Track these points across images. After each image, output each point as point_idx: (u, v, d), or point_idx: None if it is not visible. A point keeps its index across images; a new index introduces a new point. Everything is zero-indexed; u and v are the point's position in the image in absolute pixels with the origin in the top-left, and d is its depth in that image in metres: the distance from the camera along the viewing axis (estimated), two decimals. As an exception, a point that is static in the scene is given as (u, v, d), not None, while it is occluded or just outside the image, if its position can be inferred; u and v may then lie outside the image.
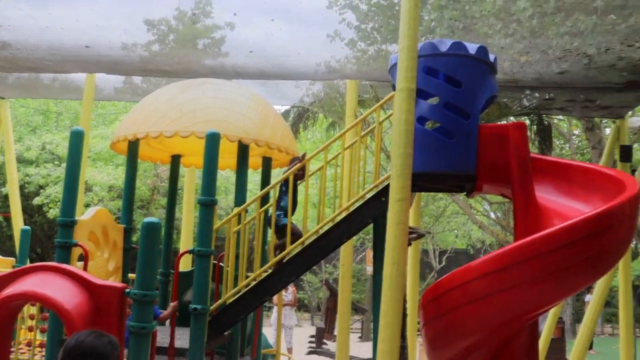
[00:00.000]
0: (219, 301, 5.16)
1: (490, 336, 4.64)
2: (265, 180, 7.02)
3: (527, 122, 9.59)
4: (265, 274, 5.24)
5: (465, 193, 5.82)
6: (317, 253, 5.31)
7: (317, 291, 23.22)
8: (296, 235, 5.33)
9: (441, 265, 25.73)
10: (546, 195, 5.24)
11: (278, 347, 6.79)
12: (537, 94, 8.76)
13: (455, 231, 26.98)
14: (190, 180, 9.78)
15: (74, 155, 5.14)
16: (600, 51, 6.88)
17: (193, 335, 4.79)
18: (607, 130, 14.42)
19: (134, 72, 9.71)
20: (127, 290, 3.60)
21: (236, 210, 5.50)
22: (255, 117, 6.24)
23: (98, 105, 16.89)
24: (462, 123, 5.16)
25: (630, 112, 10.00)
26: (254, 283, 5.22)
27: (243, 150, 6.25)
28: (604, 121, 12.88)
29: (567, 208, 5.07)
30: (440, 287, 4.78)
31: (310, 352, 12.52)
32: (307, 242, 5.24)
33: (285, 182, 5.54)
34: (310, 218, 5.73)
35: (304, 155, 5.64)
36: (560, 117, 12.99)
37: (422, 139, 4.99)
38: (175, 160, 7.53)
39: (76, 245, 5.04)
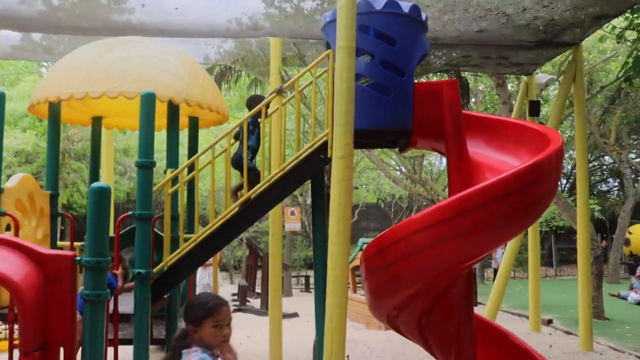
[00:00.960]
0: (162, 263, 5.07)
1: (431, 284, 4.87)
2: (193, 141, 6.89)
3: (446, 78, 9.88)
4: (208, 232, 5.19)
5: (397, 148, 5.99)
6: (259, 210, 5.33)
7: (235, 250, 23.22)
8: (256, 176, 5.31)
9: (354, 220, 26.37)
10: (477, 150, 5.49)
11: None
12: (455, 52, 9.04)
13: (365, 186, 27.63)
14: (109, 142, 9.40)
15: (-5, 120, 4.81)
16: (517, 10, 7.19)
17: (138, 299, 4.70)
18: (509, 86, 15.19)
19: (35, 29, 9.02)
20: (78, 257, 3.47)
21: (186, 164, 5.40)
22: (185, 77, 6.08)
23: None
24: (398, 80, 5.27)
25: (537, 69, 10.57)
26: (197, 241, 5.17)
27: (173, 111, 6.09)
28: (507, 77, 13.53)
29: (498, 162, 5.34)
30: (383, 241, 4.92)
31: (235, 310, 12.59)
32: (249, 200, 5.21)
33: (252, 121, 5.42)
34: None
35: (279, 89, 5.54)
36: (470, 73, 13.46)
37: (360, 96, 5.04)
38: (97, 122, 7.21)
39: (4, 214, 4.77)
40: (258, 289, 16.69)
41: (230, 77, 10.30)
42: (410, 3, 5.38)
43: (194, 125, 6.93)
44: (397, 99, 5.25)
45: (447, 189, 25.73)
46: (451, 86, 5.40)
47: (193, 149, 6.81)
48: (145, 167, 4.84)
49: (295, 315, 12.52)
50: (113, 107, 6.71)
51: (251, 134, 5.39)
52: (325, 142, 5.31)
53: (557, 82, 13.23)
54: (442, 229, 4.59)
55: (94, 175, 7.07)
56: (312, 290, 17.88)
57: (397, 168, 22.16)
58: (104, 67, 5.74)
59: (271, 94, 5.68)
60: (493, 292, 9.70)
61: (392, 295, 4.97)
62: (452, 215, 4.57)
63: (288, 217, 16.21)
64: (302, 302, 14.82)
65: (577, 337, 9.34)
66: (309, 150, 5.31)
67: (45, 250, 3.56)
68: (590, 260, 9.63)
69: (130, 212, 4.88)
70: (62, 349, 3.46)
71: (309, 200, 25.00)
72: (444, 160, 23.79)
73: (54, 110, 6.10)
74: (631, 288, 14.50)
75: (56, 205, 6.03)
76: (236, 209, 5.17)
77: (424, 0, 6.99)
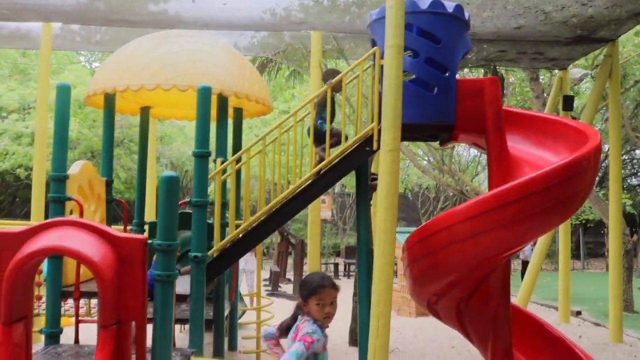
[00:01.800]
0: (216, 247, 5.37)
1: (471, 272, 5.10)
2: (237, 131, 7.17)
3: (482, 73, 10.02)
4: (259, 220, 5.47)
5: (438, 142, 6.20)
6: (308, 198, 5.60)
7: (265, 237, 23.59)
8: (338, 137, 5.73)
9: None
10: (515, 145, 5.69)
11: (258, 290, 7.10)
12: (491, 48, 9.17)
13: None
14: (151, 131, 9.74)
15: (62, 111, 5.12)
16: (556, 8, 7.32)
17: (195, 281, 5.01)
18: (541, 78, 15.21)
19: (84, 21, 9.36)
20: (150, 241, 3.77)
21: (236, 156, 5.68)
22: (234, 70, 6.34)
23: (35, 55, 16.17)
24: (442, 77, 5.50)
25: (571, 64, 10.63)
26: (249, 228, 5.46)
27: (223, 103, 6.36)
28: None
29: (536, 157, 5.54)
30: (426, 230, 5.17)
31: (267, 295, 12.95)
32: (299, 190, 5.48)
33: (322, 98, 5.85)
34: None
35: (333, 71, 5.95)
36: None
37: (406, 92, 5.26)
38: (145, 111, 7.52)
39: (70, 199, 5.10)
40: (289, 275, 17.04)
41: (270, 69, 10.59)
42: (454, 2, 5.58)
43: (238, 116, 7.20)
44: (441, 95, 5.47)
45: (474, 180, 25.80)
46: (493, 84, 5.59)
47: (237, 138, 7.09)
48: (202, 156, 5.12)
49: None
50: (161, 97, 7.01)
51: (323, 107, 5.78)
52: (371, 136, 5.56)
53: (591, 77, 13.24)
54: (483, 219, 4.81)
55: (143, 162, 7.39)
56: (341, 277, 18.25)
57: (425, 158, 22.28)
58: (158, 60, 6.02)
59: (327, 75, 6.01)
60: (524, 283, 9.88)
61: (433, 282, 5.22)
62: (494, 207, 4.79)
63: (328, 205, 16.61)
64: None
65: (606, 329, 9.49)
66: (356, 143, 5.55)
67: (119, 233, 3.87)
68: (621, 254, 9.72)
69: (187, 199, 5.19)
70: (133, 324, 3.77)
71: (337, 189, 25.27)
72: (472, 151, 23.69)
73: (109, 101, 6.42)
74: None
75: (111, 191, 6.36)
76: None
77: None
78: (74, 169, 5.59)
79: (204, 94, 5.21)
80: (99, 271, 3.61)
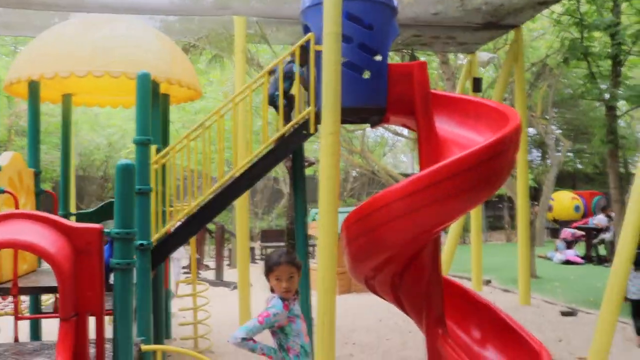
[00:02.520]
0: (158, 234, 5.37)
1: (407, 247, 5.43)
2: (165, 117, 7.10)
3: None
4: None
5: (370, 124, 6.47)
6: (250, 180, 5.69)
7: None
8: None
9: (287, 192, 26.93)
10: (442, 125, 6.04)
11: (194, 276, 7.13)
12: (408, 32, 9.54)
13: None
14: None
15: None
16: (471, -5, 7.75)
17: (140, 269, 5.00)
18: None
19: None
20: (108, 230, 3.76)
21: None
22: (165, 56, 6.28)
23: None
24: (375, 62, 5.74)
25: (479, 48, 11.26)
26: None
27: (155, 89, 6.29)
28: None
29: (461, 136, 5.92)
30: (364, 210, 5.42)
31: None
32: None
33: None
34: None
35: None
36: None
37: (342, 77, 5.47)
38: (67, 99, 7.27)
39: (3, 192, 4.92)
40: (206, 262, 16.96)
41: (192, 54, 10.41)
42: (384, -10, 5.82)
43: (165, 101, 7.13)
44: (374, 79, 5.72)
45: (381, 161, 26.51)
46: (421, 68, 5.90)
47: (165, 124, 7.04)
48: (143, 144, 5.09)
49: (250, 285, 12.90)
50: (84, 84, 6.80)
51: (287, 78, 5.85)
52: (307, 119, 5.72)
53: (496, 60, 14.06)
54: (419, 197, 5.12)
55: (66, 152, 7.17)
56: (257, 261, 18.37)
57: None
58: (89, 46, 5.87)
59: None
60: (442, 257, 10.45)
61: (371, 258, 5.50)
62: (429, 184, 5.10)
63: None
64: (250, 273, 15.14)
65: (514, 294, 10.27)
66: (294, 127, 5.70)
67: (74, 223, 3.83)
68: (528, 225, 10.51)
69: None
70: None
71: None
72: (379, 132, 24.24)
73: (34, 89, 6.17)
74: (556, 249, 15.77)
75: (39, 182, 6.15)
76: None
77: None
78: (3, 160, 5.37)
79: (144, 81, 5.17)
80: (57, 264, 3.56)
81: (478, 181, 5.16)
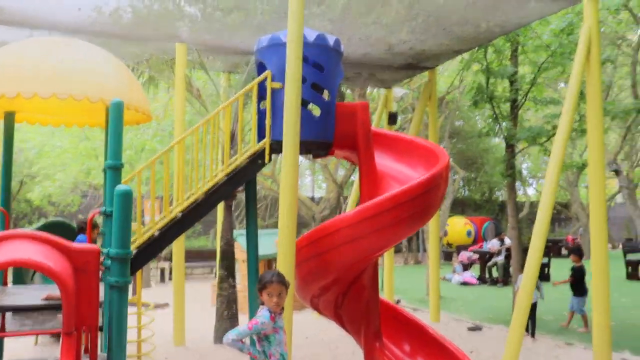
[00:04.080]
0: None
1: (350, 270, 6.06)
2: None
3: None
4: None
5: (313, 156, 7.08)
6: (207, 208, 6.07)
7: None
8: None
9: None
10: (380, 160, 6.78)
11: (139, 295, 7.33)
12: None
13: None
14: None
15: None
16: (399, 42, 8.64)
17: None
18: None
19: None
20: (107, 250, 4.08)
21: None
22: (123, 80, 6.56)
23: None
24: (325, 101, 6.38)
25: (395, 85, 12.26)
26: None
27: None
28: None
29: (398, 172, 6.69)
30: (316, 234, 6.02)
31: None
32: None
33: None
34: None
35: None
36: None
37: (296, 113, 6.05)
38: (10, 117, 7.30)
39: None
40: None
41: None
42: (334, 37, 6.50)
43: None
44: (324, 116, 6.35)
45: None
46: (364, 108, 6.62)
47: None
48: (115, 168, 5.37)
49: (166, 305, 13.00)
50: (27, 103, 6.92)
51: None
52: (263, 149, 6.23)
53: (409, 95, 15.19)
54: (364, 225, 5.79)
55: (8, 171, 7.17)
56: (170, 281, 18.28)
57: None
58: (52, 69, 6.06)
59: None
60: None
61: (320, 279, 6.09)
62: (373, 214, 5.79)
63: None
64: (163, 293, 15.16)
65: (424, 312, 11.17)
66: (251, 156, 6.19)
67: (73, 244, 4.11)
68: (438, 249, 11.51)
69: (102, 209, 5.39)
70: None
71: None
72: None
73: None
74: (454, 271, 17.09)
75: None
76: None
77: (328, 28, 8.11)
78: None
79: (117, 108, 5.43)
80: (63, 282, 3.85)
81: (415, 212, 5.92)
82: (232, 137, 8.35)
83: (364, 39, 8.46)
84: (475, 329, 9.65)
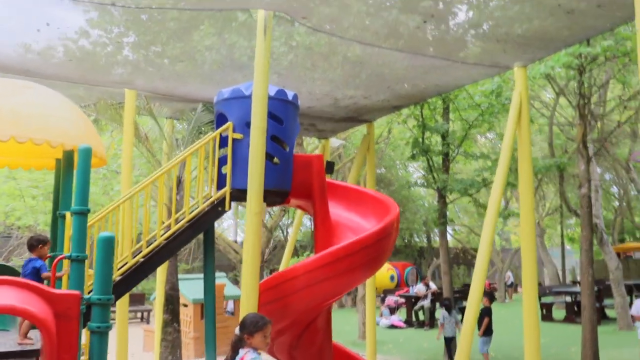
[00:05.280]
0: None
1: (307, 314, 6.33)
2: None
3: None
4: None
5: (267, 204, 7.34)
6: (171, 251, 6.18)
7: None
8: None
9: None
10: (333, 210, 7.14)
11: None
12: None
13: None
14: None
15: None
16: (344, 97, 9.14)
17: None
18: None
19: None
20: (88, 296, 4.14)
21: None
22: (80, 124, 6.61)
23: None
24: (284, 152, 6.70)
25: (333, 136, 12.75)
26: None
27: (70, 158, 6.59)
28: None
29: (351, 221, 7.08)
30: (273, 280, 6.28)
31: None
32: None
33: None
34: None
35: None
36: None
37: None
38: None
39: None
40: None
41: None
42: (293, 92, 6.89)
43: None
44: (282, 166, 6.67)
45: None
46: (319, 159, 7.02)
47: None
48: (82, 213, 5.42)
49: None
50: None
51: None
52: (224, 198, 6.44)
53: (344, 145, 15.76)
54: (322, 271, 6.12)
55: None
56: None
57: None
58: (10, 111, 6.06)
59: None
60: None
61: (278, 323, 6.28)
62: (330, 261, 6.13)
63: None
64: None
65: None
66: (211, 203, 6.38)
67: (54, 290, 4.16)
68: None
69: (67, 254, 5.38)
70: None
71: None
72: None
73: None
74: (381, 315, 17.53)
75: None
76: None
77: (275, 81, 8.48)
78: None
79: (85, 154, 5.53)
80: (46, 326, 3.92)
81: (370, 259, 6.32)
82: (179, 183, 8.48)
83: (311, 92, 8.89)
84: (410, 371, 10.03)
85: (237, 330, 4.12)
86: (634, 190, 27.31)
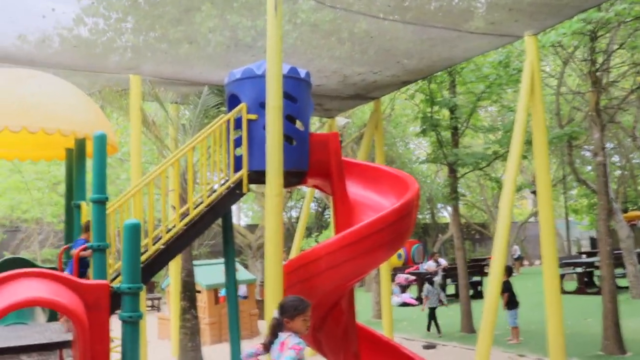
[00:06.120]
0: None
1: (332, 294, 6.23)
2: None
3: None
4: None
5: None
6: (192, 236, 6.06)
7: None
8: None
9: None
10: (350, 189, 7.01)
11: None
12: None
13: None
14: None
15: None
16: (354, 73, 8.99)
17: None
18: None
19: None
20: (118, 285, 4.04)
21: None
22: (90, 112, 6.49)
23: None
24: (299, 131, 6.57)
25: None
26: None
27: (82, 146, 6.47)
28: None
29: (369, 199, 6.95)
30: (298, 261, 6.18)
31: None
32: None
33: None
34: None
35: None
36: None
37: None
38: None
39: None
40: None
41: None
42: (305, 70, 6.73)
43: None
44: (299, 146, 6.53)
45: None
46: (335, 137, 6.88)
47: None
48: (100, 202, 5.30)
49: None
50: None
51: None
52: (241, 180, 6.32)
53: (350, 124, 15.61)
54: (346, 251, 5.99)
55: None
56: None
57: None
58: (19, 102, 5.93)
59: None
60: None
61: (303, 304, 6.19)
62: (353, 241, 6.01)
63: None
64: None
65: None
66: (230, 187, 6.26)
67: (84, 281, 4.05)
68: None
69: (88, 244, 5.28)
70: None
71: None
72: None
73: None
74: (392, 293, 17.49)
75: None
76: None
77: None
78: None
79: (101, 141, 5.39)
80: (78, 318, 3.82)
81: (392, 237, 6.20)
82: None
83: (320, 70, 8.73)
84: (429, 347, 10.02)
85: (276, 314, 3.99)
86: (636, 159, 27.26)
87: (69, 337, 4.05)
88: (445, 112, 11.34)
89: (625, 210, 30.08)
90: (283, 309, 4.00)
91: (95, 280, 4.22)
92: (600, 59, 9.23)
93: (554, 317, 7.44)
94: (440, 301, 12.21)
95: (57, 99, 6.19)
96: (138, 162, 8.64)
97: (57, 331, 4.92)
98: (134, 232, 4.13)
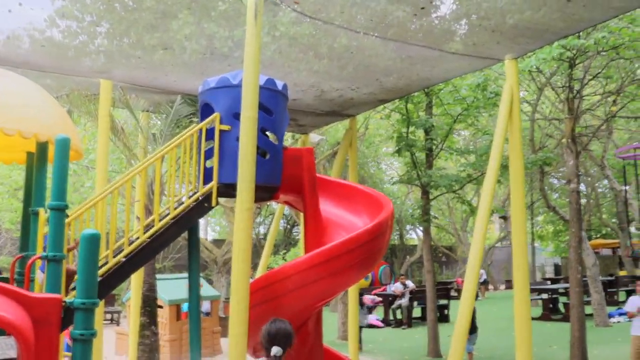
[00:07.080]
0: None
1: (299, 315, 5.98)
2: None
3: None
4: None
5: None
6: (156, 249, 5.77)
7: None
8: None
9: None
10: (322, 206, 6.81)
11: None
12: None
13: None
14: None
15: None
16: (331, 89, 8.83)
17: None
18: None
19: None
20: (71, 300, 3.74)
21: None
22: (55, 115, 6.16)
23: None
24: (273, 145, 6.36)
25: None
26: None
27: (44, 150, 6.13)
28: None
29: (342, 218, 6.76)
30: (265, 280, 5.93)
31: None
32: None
33: None
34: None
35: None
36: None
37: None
38: None
39: None
40: None
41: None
42: (282, 82, 6.54)
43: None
44: (272, 160, 6.31)
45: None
46: (309, 153, 6.69)
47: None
48: (59, 209, 4.99)
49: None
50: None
51: None
52: (210, 193, 6.07)
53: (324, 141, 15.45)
54: (316, 271, 5.79)
55: None
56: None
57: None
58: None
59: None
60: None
61: (267, 325, 5.93)
62: (325, 260, 5.81)
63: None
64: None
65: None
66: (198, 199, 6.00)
67: (33, 294, 3.75)
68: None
69: (43, 254, 4.94)
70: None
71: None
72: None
73: None
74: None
75: None
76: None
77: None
78: None
79: (63, 145, 5.09)
80: (22, 334, 3.52)
81: (364, 258, 6.01)
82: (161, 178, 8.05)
83: (297, 84, 8.55)
84: (396, 371, 9.80)
85: (276, 352, 3.71)
86: (601, 188, 27.73)
87: (11, 353, 3.73)
88: (421, 133, 11.25)
89: (589, 238, 30.55)
90: (288, 341, 3.86)
91: (46, 294, 3.91)
92: (577, 86, 9.26)
93: (523, 344, 7.29)
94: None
95: (19, 99, 5.85)
96: (104, 170, 8.29)
97: (6, 347, 4.59)
98: (92, 243, 3.85)
